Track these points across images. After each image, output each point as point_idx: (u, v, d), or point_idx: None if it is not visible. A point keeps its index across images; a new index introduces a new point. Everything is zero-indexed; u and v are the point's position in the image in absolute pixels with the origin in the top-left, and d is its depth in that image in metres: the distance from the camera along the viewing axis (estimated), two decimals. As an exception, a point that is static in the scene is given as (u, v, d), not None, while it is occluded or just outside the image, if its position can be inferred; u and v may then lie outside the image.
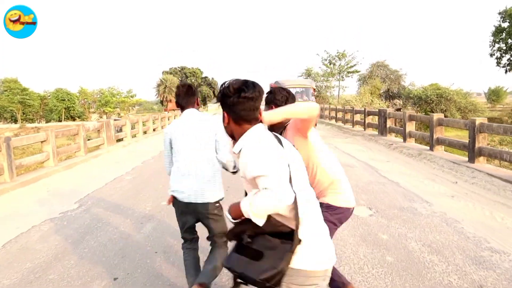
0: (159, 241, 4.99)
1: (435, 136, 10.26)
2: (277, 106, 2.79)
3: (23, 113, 58.01)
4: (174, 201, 3.25)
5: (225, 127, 2.11)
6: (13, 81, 58.89)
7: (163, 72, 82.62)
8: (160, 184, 8.17)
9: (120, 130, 17.10)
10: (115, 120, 17.58)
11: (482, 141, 8.33)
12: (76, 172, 10.26)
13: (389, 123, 14.07)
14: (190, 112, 3.30)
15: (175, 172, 3.25)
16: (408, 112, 12.22)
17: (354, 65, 42.85)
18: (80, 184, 8.53)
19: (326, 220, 2.25)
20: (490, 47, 42.20)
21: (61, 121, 56.93)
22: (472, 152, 8.44)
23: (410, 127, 12.18)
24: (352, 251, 4.39)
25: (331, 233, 2.60)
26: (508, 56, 41.20)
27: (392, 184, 7.53)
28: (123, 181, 8.77)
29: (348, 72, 43.52)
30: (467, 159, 8.73)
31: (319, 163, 2.72)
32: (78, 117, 62.04)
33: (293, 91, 11.90)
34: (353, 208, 2.88)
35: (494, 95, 65.11)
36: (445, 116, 31.23)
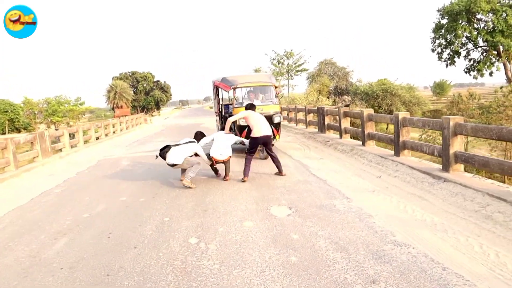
0: (68, 257, 4.80)
1: (366, 132, 10.51)
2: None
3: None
4: None
5: None
6: None
7: (113, 78, 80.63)
8: (87, 196, 7.92)
9: (58, 141, 16.48)
10: (55, 129, 16.92)
11: (406, 135, 8.60)
12: (3, 188, 9.77)
13: (327, 120, 14.31)
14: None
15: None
16: (343, 109, 12.47)
17: (302, 63, 43.45)
18: (2, 201, 8.12)
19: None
20: (431, 43, 43.92)
21: (5, 133, 54.41)
22: (397, 145, 8.69)
23: (345, 123, 12.43)
24: (259, 253, 4.39)
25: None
26: (448, 51, 42.98)
27: (319, 182, 7.64)
28: (50, 195, 8.42)
29: (297, 71, 44.05)
30: (393, 152, 8.99)
31: None
32: (24, 129, 59.56)
33: (246, 91, 10.84)
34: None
35: (439, 88, 67.56)
36: (390, 112, 32.47)
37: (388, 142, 9.46)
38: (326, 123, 14.27)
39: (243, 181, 8.02)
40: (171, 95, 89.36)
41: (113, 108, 75.45)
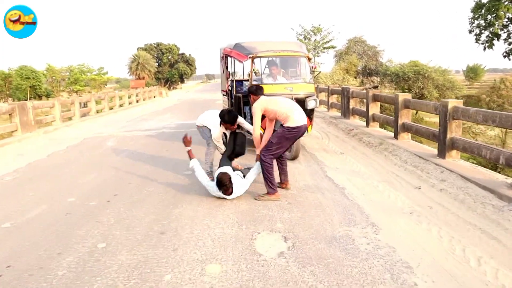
0: None
1: (400, 121, 8.32)
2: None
3: (-16, 92, 54.46)
4: None
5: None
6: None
7: (138, 49, 79.33)
8: (33, 190, 6.07)
9: (49, 113, 14.78)
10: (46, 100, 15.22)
11: (456, 130, 6.42)
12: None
13: (352, 103, 12.09)
14: None
15: None
16: (372, 91, 10.23)
17: (330, 40, 40.60)
18: None
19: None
20: (469, 23, 40.64)
21: (26, 100, 53.88)
22: (443, 144, 6.52)
23: (374, 108, 10.22)
24: None
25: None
26: (487, 32, 39.66)
27: (334, 191, 5.57)
28: (-4, 184, 6.67)
29: (324, 48, 41.31)
30: (436, 152, 6.83)
31: None
32: (46, 96, 59.00)
33: (267, 63, 7.54)
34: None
35: (472, 73, 64.07)
36: (421, 95, 29.83)
37: (430, 137, 7.27)
38: (351, 107, 12.05)
39: (275, 198, 5.27)
40: (195, 68, 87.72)
41: (138, 78, 74.44)
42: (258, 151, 5.47)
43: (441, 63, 46.13)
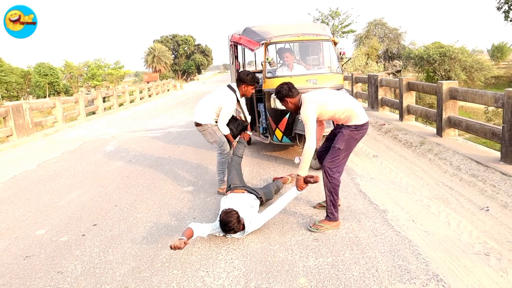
0: None
1: (445, 115, 6.89)
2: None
3: (6, 90, 54.49)
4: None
5: None
6: (-16, 57, 55.25)
7: (154, 41, 78.77)
8: (17, 211, 4.93)
9: (49, 113, 13.76)
10: (45, 101, 14.23)
11: (527, 128, 4.99)
12: None
13: (382, 93, 10.64)
14: None
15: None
16: (406, 79, 8.75)
17: (349, 24, 38.70)
18: None
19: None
20: (497, 0, 38.46)
21: (45, 97, 53.79)
22: (510, 146, 5.11)
23: (409, 99, 8.76)
24: None
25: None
26: (516, 8, 37.43)
27: (374, 215, 4.24)
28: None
29: (343, 32, 39.48)
30: (499, 155, 5.42)
31: None
32: (64, 92, 58.93)
33: (284, 51, 5.93)
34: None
35: (498, 52, 61.06)
36: (448, 78, 27.96)
37: (487, 136, 5.84)
38: (379, 97, 10.61)
39: (335, 226, 4.03)
40: (212, 59, 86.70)
41: (154, 71, 74.10)
42: (300, 171, 4.02)
43: (467, 43, 43.72)
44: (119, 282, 3.26)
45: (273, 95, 6.16)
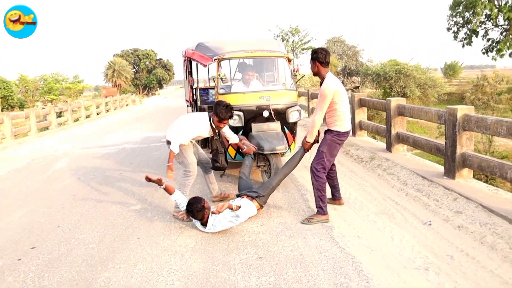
0: None
1: (393, 131, 7.07)
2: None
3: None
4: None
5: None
6: None
7: (114, 55, 77.50)
8: None
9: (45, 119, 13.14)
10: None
11: (467, 144, 5.17)
12: None
13: (336, 109, 10.83)
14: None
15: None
16: (358, 95, 8.94)
17: (309, 41, 39.49)
18: None
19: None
20: (447, 21, 40.54)
21: (-2, 111, 51.61)
22: (452, 161, 5.27)
23: (361, 115, 8.96)
24: None
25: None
26: (465, 30, 39.48)
27: (320, 232, 4.23)
28: None
29: (303, 49, 40.19)
30: (443, 170, 5.58)
31: None
32: (19, 107, 56.69)
33: (238, 66, 5.72)
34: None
35: (450, 70, 65.15)
36: (404, 95, 28.88)
37: (432, 151, 6.02)
38: (333, 113, 10.79)
39: (325, 220, 4.54)
40: (174, 73, 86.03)
41: (114, 86, 72.77)
42: (310, 138, 4.62)
43: (420, 62, 45.40)
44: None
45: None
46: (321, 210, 4.53)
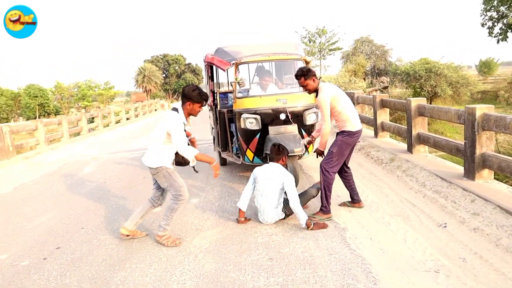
0: None
1: (414, 132, 7.00)
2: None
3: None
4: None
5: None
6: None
7: (144, 61, 79.28)
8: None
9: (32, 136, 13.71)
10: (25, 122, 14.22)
11: (487, 144, 5.09)
12: None
13: (358, 110, 10.76)
14: None
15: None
16: (380, 96, 8.89)
17: (336, 41, 39.15)
18: None
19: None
20: (481, 16, 38.98)
21: (35, 118, 53.54)
22: (471, 161, 5.19)
23: (383, 116, 8.90)
24: None
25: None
26: (500, 25, 37.95)
27: (333, 234, 4.26)
28: None
29: (330, 50, 39.90)
30: (463, 171, 5.50)
31: None
32: (55, 114, 58.69)
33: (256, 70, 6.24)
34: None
35: (485, 67, 62.08)
36: (435, 94, 28.23)
37: (452, 152, 5.94)
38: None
39: (328, 218, 4.74)
40: (202, 77, 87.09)
41: (144, 91, 74.39)
42: (321, 147, 4.94)
43: (453, 59, 44.08)
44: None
45: (243, 115, 6.25)
46: (325, 209, 4.76)
